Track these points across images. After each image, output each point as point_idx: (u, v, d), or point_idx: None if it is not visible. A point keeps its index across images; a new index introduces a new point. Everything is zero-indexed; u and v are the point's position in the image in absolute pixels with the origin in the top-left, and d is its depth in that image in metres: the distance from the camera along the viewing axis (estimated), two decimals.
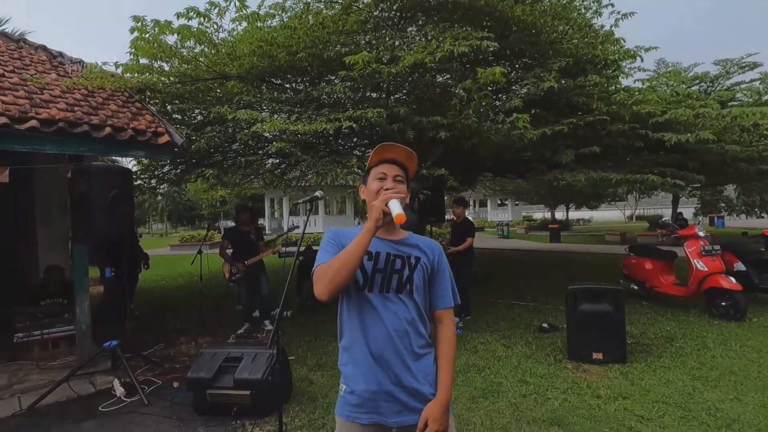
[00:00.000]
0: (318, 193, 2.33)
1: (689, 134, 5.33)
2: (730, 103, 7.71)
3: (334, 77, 5.61)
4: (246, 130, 4.31)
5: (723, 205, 23.25)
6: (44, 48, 5.63)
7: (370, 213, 1.38)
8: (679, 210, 17.37)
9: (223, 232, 5.76)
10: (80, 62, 5.60)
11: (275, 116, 5.57)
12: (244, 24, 5.43)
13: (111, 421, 3.16)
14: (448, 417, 1.42)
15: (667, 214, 23.88)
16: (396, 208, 1.35)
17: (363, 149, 7.26)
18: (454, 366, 1.46)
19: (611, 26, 5.95)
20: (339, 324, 1.50)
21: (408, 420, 1.40)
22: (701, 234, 5.57)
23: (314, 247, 7.24)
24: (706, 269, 5.30)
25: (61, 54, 5.64)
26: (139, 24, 4.75)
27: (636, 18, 5.99)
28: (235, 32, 5.45)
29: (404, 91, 5.67)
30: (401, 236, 1.52)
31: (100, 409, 3.33)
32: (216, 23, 5.03)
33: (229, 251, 5.43)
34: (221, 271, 5.49)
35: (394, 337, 1.39)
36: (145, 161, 6.99)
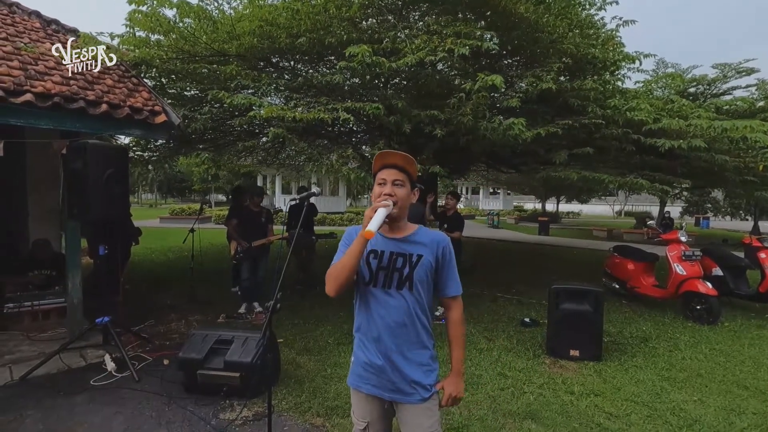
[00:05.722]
0: (315, 190, 2.39)
1: (682, 141, 5.45)
2: (725, 108, 7.80)
3: (334, 58, 5.56)
4: (243, 117, 4.29)
5: (709, 206, 23.64)
6: (38, 14, 5.48)
7: (364, 220, 1.48)
8: (666, 210, 17.66)
9: (228, 211, 5.85)
10: (75, 31, 5.47)
11: (272, 99, 5.54)
12: (245, 1, 5.35)
13: (102, 395, 3.25)
14: (462, 385, 1.68)
15: (654, 211, 24.28)
16: (375, 219, 1.44)
17: (360, 135, 7.26)
18: (463, 344, 1.70)
19: (612, 31, 5.97)
20: (354, 311, 1.68)
21: (399, 398, 1.59)
22: (683, 239, 5.74)
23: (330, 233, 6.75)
24: (685, 273, 5.49)
25: (56, 22, 5.50)
26: None
27: (645, 21, 6.01)
28: (235, 10, 5.35)
29: (403, 83, 5.65)
30: (407, 233, 1.63)
31: (91, 383, 3.41)
32: (217, 1, 4.96)
33: None
34: (228, 248, 5.56)
35: (394, 327, 1.57)
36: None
